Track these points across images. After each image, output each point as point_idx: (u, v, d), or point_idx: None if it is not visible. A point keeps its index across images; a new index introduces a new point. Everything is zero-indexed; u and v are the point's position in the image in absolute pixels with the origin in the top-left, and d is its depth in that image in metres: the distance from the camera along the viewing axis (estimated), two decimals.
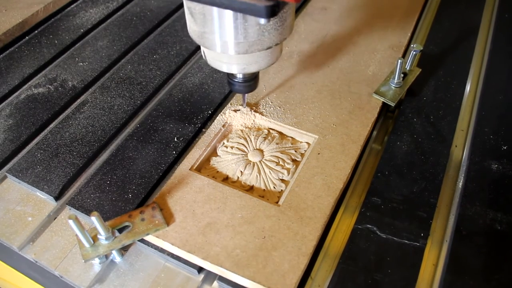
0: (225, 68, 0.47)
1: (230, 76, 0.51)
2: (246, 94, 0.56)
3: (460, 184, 0.51)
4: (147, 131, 0.57)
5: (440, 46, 0.68)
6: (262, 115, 0.57)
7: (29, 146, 0.57)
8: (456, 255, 0.44)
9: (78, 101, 0.62)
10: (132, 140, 0.56)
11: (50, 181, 0.52)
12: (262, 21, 0.37)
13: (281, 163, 0.52)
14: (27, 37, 0.73)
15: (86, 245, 0.43)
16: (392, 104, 0.58)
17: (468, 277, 0.43)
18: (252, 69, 0.47)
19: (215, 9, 0.40)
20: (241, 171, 0.52)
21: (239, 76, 0.50)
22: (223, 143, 0.55)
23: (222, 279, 0.44)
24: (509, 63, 0.65)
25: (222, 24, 0.41)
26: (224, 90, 0.62)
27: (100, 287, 0.44)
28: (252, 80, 0.51)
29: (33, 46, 0.71)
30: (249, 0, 0.35)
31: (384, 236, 0.46)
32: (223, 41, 0.42)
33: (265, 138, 0.55)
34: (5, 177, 0.54)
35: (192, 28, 0.44)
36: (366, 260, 0.44)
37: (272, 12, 0.36)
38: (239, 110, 0.57)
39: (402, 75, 0.59)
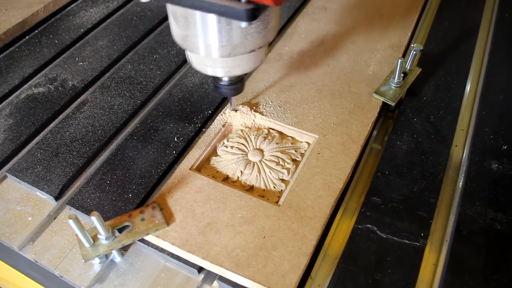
0: (209, 72, 0.47)
1: (216, 80, 0.51)
2: (233, 97, 0.56)
3: (460, 184, 0.51)
4: (147, 131, 0.57)
5: (440, 46, 0.68)
6: (262, 114, 0.57)
7: (29, 146, 0.57)
8: (456, 255, 0.44)
9: (78, 100, 0.62)
10: (132, 139, 0.56)
11: (50, 180, 0.52)
12: (243, 24, 0.37)
13: (281, 163, 0.52)
14: (27, 37, 0.73)
15: (86, 244, 0.43)
16: (392, 104, 0.58)
17: (468, 277, 0.43)
18: (236, 72, 0.47)
19: (197, 12, 0.40)
20: (241, 171, 0.52)
21: (225, 79, 0.50)
22: (223, 142, 0.55)
23: (222, 279, 0.44)
24: (509, 63, 0.65)
25: (204, 27, 0.41)
26: None
27: (100, 286, 0.44)
28: (238, 83, 0.51)
29: (33, 46, 0.71)
30: (229, 3, 0.35)
31: (384, 236, 0.46)
32: (206, 44, 0.42)
33: (265, 138, 0.55)
34: (5, 177, 0.54)
35: (175, 31, 0.44)
36: (366, 260, 0.44)
37: (252, 15, 0.35)
38: (239, 110, 0.57)
39: (402, 75, 0.59)
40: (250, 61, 0.46)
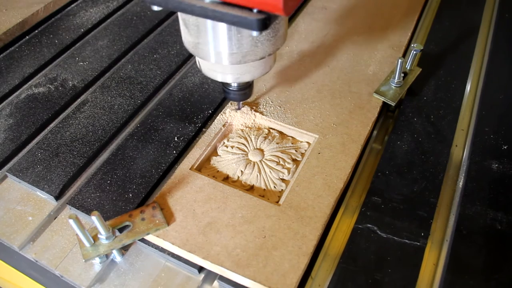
0: (219, 78, 0.48)
1: (225, 85, 0.51)
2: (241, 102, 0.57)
3: (461, 183, 0.51)
4: (147, 131, 0.57)
5: (440, 45, 0.68)
6: (263, 114, 0.57)
7: (29, 146, 0.57)
8: (456, 255, 0.44)
9: (79, 100, 0.62)
10: (132, 139, 0.56)
11: (51, 180, 0.52)
12: (254, 33, 0.37)
13: (281, 162, 0.52)
14: (27, 37, 0.73)
15: (87, 244, 0.43)
16: (393, 104, 0.58)
17: (468, 277, 0.43)
18: (246, 78, 0.48)
19: (208, 21, 0.41)
20: (241, 171, 0.52)
21: (234, 85, 0.51)
22: (224, 142, 0.55)
23: (222, 278, 0.44)
24: (509, 63, 0.65)
25: (215, 36, 0.42)
26: None
27: (101, 286, 0.44)
28: (246, 89, 0.51)
29: (33, 46, 0.71)
30: (241, 14, 0.36)
31: (385, 236, 0.46)
32: (217, 52, 0.43)
33: (265, 138, 0.55)
34: (5, 177, 0.54)
35: (187, 38, 0.45)
36: (366, 260, 0.44)
37: (263, 25, 0.36)
38: (239, 109, 0.57)
39: (403, 75, 0.59)
40: (259, 67, 0.47)
